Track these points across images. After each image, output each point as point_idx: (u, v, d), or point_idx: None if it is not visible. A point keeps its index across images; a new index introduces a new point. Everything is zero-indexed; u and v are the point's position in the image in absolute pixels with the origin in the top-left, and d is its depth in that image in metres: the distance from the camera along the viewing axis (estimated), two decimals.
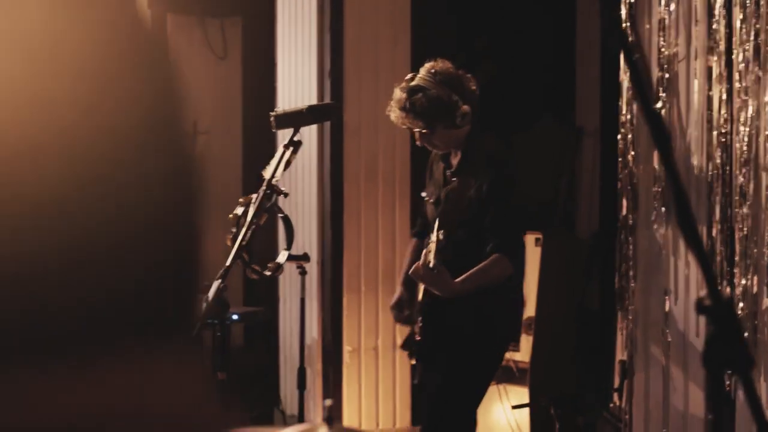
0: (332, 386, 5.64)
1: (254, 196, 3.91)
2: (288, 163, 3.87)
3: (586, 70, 6.74)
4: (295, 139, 3.89)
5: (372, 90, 5.42)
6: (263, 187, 3.83)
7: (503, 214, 4.16)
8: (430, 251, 4.02)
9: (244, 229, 3.79)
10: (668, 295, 3.80)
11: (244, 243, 3.78)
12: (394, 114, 4.28)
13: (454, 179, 4.32)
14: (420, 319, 4.38)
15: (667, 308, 3.82)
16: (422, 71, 4.31)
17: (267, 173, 3.87)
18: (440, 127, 4.23)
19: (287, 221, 3.97)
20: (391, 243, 5.75)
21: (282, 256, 4.00)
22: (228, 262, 3.77)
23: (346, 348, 5.71)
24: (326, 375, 5.66)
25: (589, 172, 6.18)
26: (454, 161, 4.36)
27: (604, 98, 6.72)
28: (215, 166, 7.60)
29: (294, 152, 3.87)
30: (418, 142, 4.37)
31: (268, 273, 4.00)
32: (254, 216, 3.80)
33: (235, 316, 5.84)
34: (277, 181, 3.84)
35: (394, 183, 5.76)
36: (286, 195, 3.90)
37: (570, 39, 6.75)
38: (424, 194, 4.55)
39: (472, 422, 4.44)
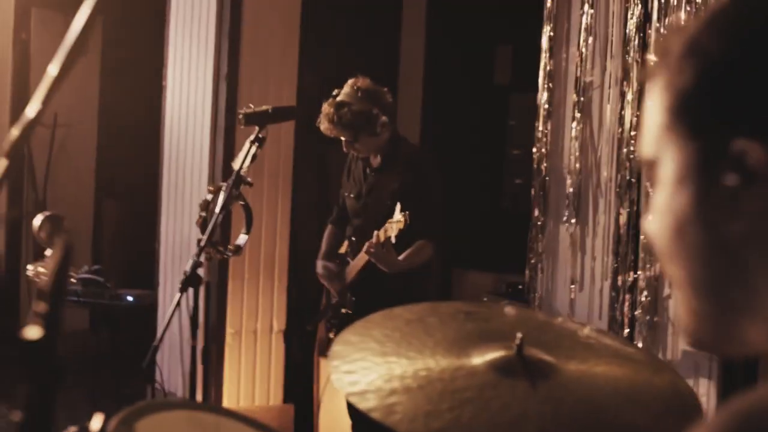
0: (215, 365, 5.81)
1: (223, 184, 4.12)
2: (254, 157, 4.09)
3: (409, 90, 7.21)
4: (260, 135, 4.10)
5: (263, 93, 5.63)
6: (232, 177, 4.05)
7: (427, 205, 4.55)
8: (389, 230, 4.36)
9: (215, 213, 4.01)
10: (574, 284, 4.27)
11: (216, 224, 3.99)
12: (323, 125, 4.64)
13: (372, 175, 4.71)
14: (350, 295, 4.74)
15: (572, 296, 4.28)
16: (346, 87, 4.67)
17: (236, 165, 4.08)
18: (363, 136, 4.61)
19: (248, 209, 4.18)
20: (273, 236, 5.99)
21: (241, 239, 4.22)
22: (202, 243, 3.98)
23: (229, 330, 5.89)
24: (209, 355, 5.82)
25: None
26: (374, 162, 4.73)
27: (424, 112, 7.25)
28: (71, 156, 7.58)
29: (259, 146, 4.09)
30: (344, 149, 4.70)
31: (229, 254, 4.22)
32: (225, 201, 4.02)
33: (129, 297, 5.91)
34: (244, 172, 4.06)
35: (278, 181, 5.99)
36: (250, 185, 4.12)
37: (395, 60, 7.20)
38: (345, 191, 4.89)
39: None
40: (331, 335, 4.87)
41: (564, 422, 1.83)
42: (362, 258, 4.60)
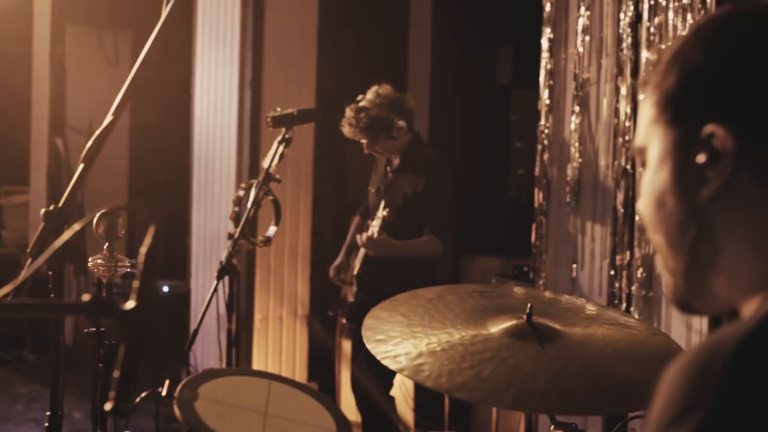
0: (245, 348, 5.95)
1: (254, 181, 4.26)
2: (282, 156, 4.21)
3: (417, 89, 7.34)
4: (287, 136, 4.23)
5: (285, 97, 5.74)
6: (262, 175, 4.19)
7: (437, 206, 4.70)
8: (374, 225, 4.53)
9: (248, 208, 4.15)
10: (575, 264, 4.40)
11: (248, 218, 4.13)
12: (345, 129, 4.79)
13: (391, 175, 4.86)
14: (355, 285, 4.89)
15: (574, 275, 4.42)
16: (369, 94, 4.81)
17: (265, 163, 4.21)
18: (381, 139, 4.75)
19: (277, 203, 4.31)
20: (296, 229, 6.13)
21: (271, 231, 4.35)
22: (236, 235, 4.12)
23: (257, 316, 6.04)
24: (239, 340, 5.96)
25: None
26: (395, 162, 4.88)
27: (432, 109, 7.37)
28: (106, 160, 7.72)
29: (286, 146, 4.22)
30: (365, 151, 4.85)
31: (260, 245, 4.36)
32: (256, 197, 4.15)
33: (165, 288, 6.06)
34: (272, 170, 4.20)
35: (299, 180, 6.12)
36: (279, 181, 4.25)
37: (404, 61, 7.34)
38: (370, 186, 5.04)
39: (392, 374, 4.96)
40: (343, 321, 5.05)
41: (571, 376, 1.98)
42: (362, 253, 4.79)
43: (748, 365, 0.91)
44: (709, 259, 1.07)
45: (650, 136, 1.12)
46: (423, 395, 5.41)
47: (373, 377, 4.85)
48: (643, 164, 1.16)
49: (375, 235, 4.63)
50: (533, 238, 4.54)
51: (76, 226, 1.30)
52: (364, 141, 4.78)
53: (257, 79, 5.93)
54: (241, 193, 4.28)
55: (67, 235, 1.40)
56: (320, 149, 6.20)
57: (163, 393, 1.70)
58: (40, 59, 7.54)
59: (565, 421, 2.23)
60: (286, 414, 1.77)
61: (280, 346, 6.13)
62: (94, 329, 2.65)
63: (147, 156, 7.90)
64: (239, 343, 5.89)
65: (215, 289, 4.12)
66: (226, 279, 4.18)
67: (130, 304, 1.21)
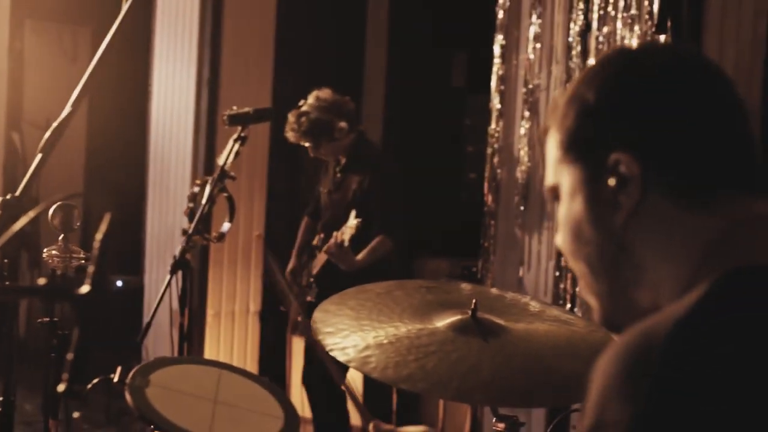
0: (197, 344, 5.95)
1: (209, 178, 4.27)
2: (237, 153, 4.22)
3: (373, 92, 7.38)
4: (243, 134, 4.24)
5: (241, 96, 5.74)
6: (218, 172, 4.20)
7: (384, 203, 4.74)
8: (344, 233, 4.53)
9: (202, 204, 4.15)
10: (522, 265, 4.47)
11: (202, 214, 4.14)
12: (290, 135, 4.84)
13: (339, 175, 4.89)
14: (314, 286, 4.91)
15: (520, 274, 4.48)
16: (309, 98, 4.86)
17: (220, 161, 4.22)
18: (324, 141, 4.80)
19: (231, 200, 4.32)
20: (249, 226, 6.14)
21: (225, 227, 4.36)
22: (190, 231, 4.13)
23: (210, 311, 6.04)
24: (191, 335, 5.96)
25: None
26: (342, 162, 4.91)
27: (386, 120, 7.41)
28: (62, 155, 7.66)
29: (242, 144, 4.23)
30: (310, 154, 4.88)
31: (214, 240, 4.37)
32: (211, 193, 4.16)
33: (118, 283, 6.04)
34: (227, 167, 4.21)
35: (254, 178, 6.14)
36: (233, 178, 4.26)
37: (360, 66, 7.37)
38: (321, 187, 5.06)
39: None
40: (299, 318, 5.04)
41: (513, 370, 2.03)
42: (323, 256, 4.80)
43: (683, 351, 0.95)
44: (632, 277, 1.13)
45: (560, 174, 1.19)
46: (371, 391, 5.44)
47: (327, 373, 4.86)
48: (557, 201, 1.22)
49: (347, 241, 4.62)
50: (481, 239, 4.59)
51: (31, 214, 1.31)
52: (307, 145, 4.83)
53: (214, 78, 5.93)
54: (196, 189, 4.30)
55: (21, 222, 1.41)
56: (276, 148, 6.22)
57: (115, 379, 1.72)
58: None
59: (507, 414, 2.28)
60: (236, 402, 1.79)
61: (231, 342, 6.13)
62: (48, 319, 2.65)
63: (103, 151, 7.86)
64: (191, 337, 5.89)
65: (168, 284, 4.12)
66: (180, 274, 4.18)
67: (84, 289, 1.23)
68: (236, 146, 4.20)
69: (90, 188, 8.10)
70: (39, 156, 1.79)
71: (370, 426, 1.76)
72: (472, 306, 2.21)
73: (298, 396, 5.58)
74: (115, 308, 6.24)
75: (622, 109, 1.14)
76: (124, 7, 1.89)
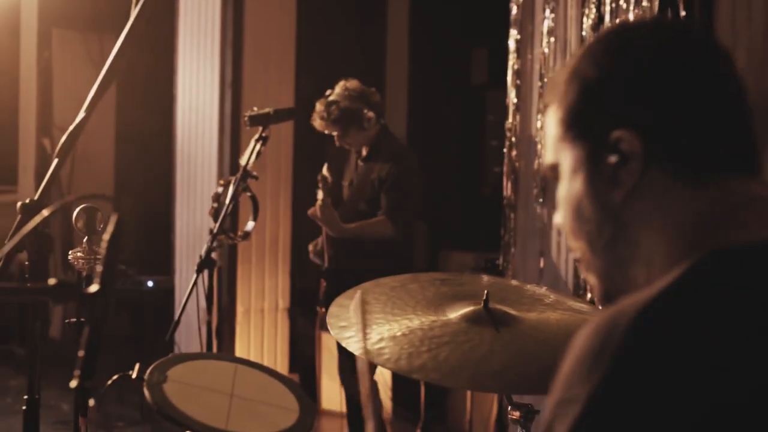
0: (227, 341, 5.99)
1: (232, 179, 4.30)
2: (258, 153, 4.25)
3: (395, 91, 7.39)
4: (264, 134, 4.27)
5: (264, 97, 5.78)
6: (240, 172, 4.23)
7: (396, 191, 4.75)
8: (319, 190, 4.60)
9: (226, 204, 4.18)
10: (542, 256, 4.46)
11: (226, 214, 4.17)
12: (316, 122, 4.83)
13: (361, 164, 4.91)
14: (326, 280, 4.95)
15: (541, 265, 4.47)
16: (337, 88, 4.85)
17: (243, 161, 4.25)
18: (352, 130, 4.79)
19: (254, 199, 4.34)
20: (275, 223, 6.18)
21: (249, 225, 4.39)
22: (215, 230, 4.16)
23: (239, 309, 6.08)
24: (222, 332, 6.00)
25: None
26: (364, 153, 4.93)
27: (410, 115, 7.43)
28: (92, 159, 7.75)
29: (263, 144, 4.26)
30: (336, 143, 4.89)
31: (239, 239, 4.40)
32: (234, 193, 4.19)
33: (149, 283, 6.09)
34: (250, 167, 4.23)
35: (279, 175, 6.18)
36: (256, 178, 4.29)
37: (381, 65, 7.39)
38: (343, 180, 5.08)
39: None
40: (323, 311, 5.09)
41: (525, 359, 2.03)
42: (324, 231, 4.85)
43: (645, 332, 0.97)
44: (627, 254, 1.13)
45: (560, 152, 1.18)
46: (400, 385, 5.46)
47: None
48: (557, 179, 1.21)
49: (319, 198, 4.68)
50: (501, 232, 4.59)
51: (45, 212, 1.34)
52: (335, 133, 4.82)
53: (237, 80, 5.98)
54: (220, 189, 4.32)
55: (34, 221, 1.44)
56: (300, 147, 6.25)
57: (134, 376, 1.75)
58: (27, 62, 7.56)
59: (522, 402, 2.29)
60: (252, 395, 1.81)
61: (262, 338, 6.17)
62: (75, 319, 2.69)
63: (132, 155, 7.93)
64: (221, 335, 5.94)
65: (195, 283, 4.17)
66: (206, 273, 4.22)
67: (93, 288, 1.25)
68: (258, 146, 4.23)
69: (120, 192, 8.17)
70: (55, 160, 1.82)
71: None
72: (484, 297, 2.22)
73: (328, 390, 5.61)
74: (147, 308, 6.30)
75: (624, 85, 1.12)
76: (134, 11, 1.91)
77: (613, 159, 1.11)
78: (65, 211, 5.80)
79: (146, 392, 1.72)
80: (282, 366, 6.23)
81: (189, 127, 6.30)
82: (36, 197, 1.68)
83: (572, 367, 1.00)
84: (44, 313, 2.63)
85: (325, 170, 4.78)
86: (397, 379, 5.46)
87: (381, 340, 2.10)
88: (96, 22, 7.47)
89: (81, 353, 1.28)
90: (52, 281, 1.26)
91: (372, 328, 2.16)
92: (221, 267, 5.70)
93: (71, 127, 1.88)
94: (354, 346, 2.09)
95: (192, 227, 6.30)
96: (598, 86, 1.13)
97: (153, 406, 1.70)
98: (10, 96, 7.60)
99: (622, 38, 1.17)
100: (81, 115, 1.88)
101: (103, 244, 1.28)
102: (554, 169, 1.21)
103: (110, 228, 1.27)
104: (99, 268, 1.27)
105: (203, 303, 4.81)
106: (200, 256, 4.12)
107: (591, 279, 1.21)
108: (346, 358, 4.94)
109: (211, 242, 4.13)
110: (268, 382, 1.91)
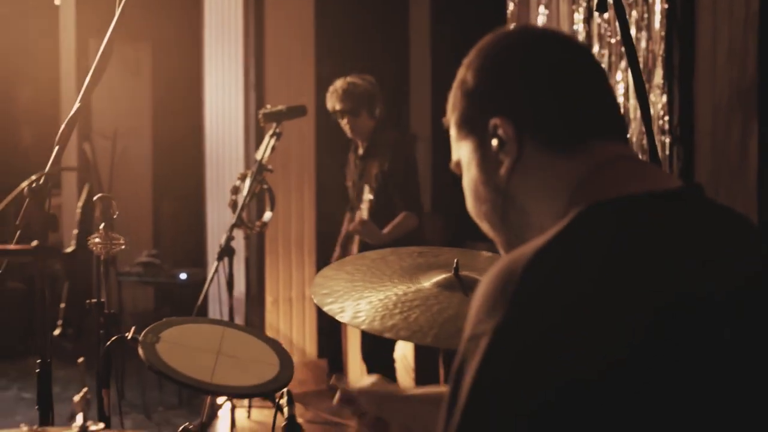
0: (258, 329, 6.15)
1: (248, 171, 4.46)
2: (273, 148, 4.41)
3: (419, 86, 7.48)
4: (277, 131, 4.42)
5: (286, 97, 5.92)
6: (255, 166, 4.39)
7: (404, 182, 4.87)
8: (362, 210, 4.72)
9: (243, 196, 4.35)
10: None
11: (245, 205, 4.33)
12: (331, 101, 4.92)
13: (360, 163, 5.03)
14: None
15: None
16: (352, 78, 4.98)
17: (258, 155, 4.41)
18: (363, 113, 4.90)
19: (270, 191, 4.50)
20: (300, 217, 6.33)
21: (266, 216, 4.55)
22: (234, 221, 4.33)
23: (268, 299, 6.24)
24: (251, 321, 6.17)
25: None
26: (360, 151, 5.05)
27: (434, 110, 7.51)
28: (131, 163, 7.97)
29: (277, 140, 4.42)
30: (346, 124, 4.94)
31: (257, 229, 4.57)
32: (251, 186, 4.36)
33: (183, 276, 6.27)
34: (265, 161, 4.40)
35: (303, 172, 6.33)
36: (271, 171, 4.44)
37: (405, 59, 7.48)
38: (347, 181, 5.22)
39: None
40: None
41: None
42: (357, 239, 4.97)
43: (538, 271, 1.09)
44: (522, 223, 1.29)
45: (458, 150, 1.36)
46: (421, 362, 5.58)
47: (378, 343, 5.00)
48: (461, 174, 1.38)
49: (365, 217, 4.81)
50: None
51: (24, 184, 1.50)
52: (346, 114, 4.90)
53: (260, 82, 6.14)
54: (238, 183, 4.49)
55: (21, 187, 1.60)
56: (322, 144, 6.40)
57: (129, 337, 1.91)
58: (66, 72, 7.79)
59: None
60: (236, 353, 1.97)
61: (290, 326, 6.33)
62: (95, 300, 2.86)
63: (166, 157, 8.12)
64: (251, 323, 6.10)
65: (216, 269, 4.34)
66: (241, 267, 4.39)
67: (70, 248, 1.41)
68: (272, 141, 4.39)
69: (156, 192, 8.38)
70: (57, 147, 1.98)
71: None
72: (454, 265, 2.34)
73: (355, 372, 5.76)
74: (183, 298, 6.45)
75: (494, 84, 1.29)
76: (117, 10, 2.08)
77: (495, 143, 1.27)
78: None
79: (140, 351, 1.88)
80: (311, 351, 6.38)
81: (216, 128, 6.48)
82: (41, 181, 1.83)
83: (479, 307, 1.12)
84: (49, 280, 2.75)
85: (368, 192, 4.88)
86: (419, 356, 5.58)
87: (359, 305, 2.24)
88: (130, 31, 7.65)
89: (62, 305, 1.44)
90: (34, 243, 1.42)
91: (352, 295, 2.30)
92: (249, 259, 5.88)
93: (69, 116, 2.05)
94: (336, 313, 2.23)
95: (221, 222, 6.47)
96: (474, 88, 1.31)
97: (146, 363, 1.86)
98: (52, 105, 7.83)
99: (490, 46, 1.34)
100: (76, 105, 2.05)
101: (78, 211, 1.45)
102: (458, 165, 1.38)
103: (83, 196, 1.43)
104: (74, 231, 1.43)
105: (236, 293, 4.95)
106: (220, 245, 4.28)
107: (501, 252, 1.36)
108: (368, 339, 5.09)
109: (230, 232, 4.30)
110: (252, 341, 2.06)
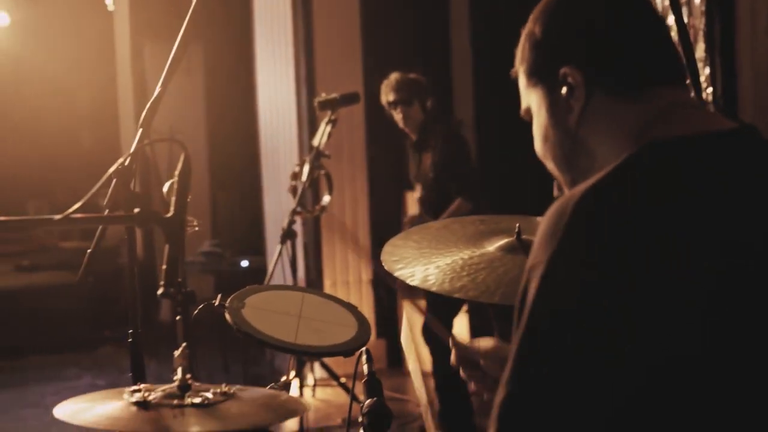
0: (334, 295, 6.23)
1: (307, 158, 4.54)
2: (329, 135, 4.48)
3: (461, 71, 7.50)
4: (333, 117, 4.49)
5: (336, 89, 5.97)
6: (313, 152, 4.47)
7: (456, 169, 4.90)
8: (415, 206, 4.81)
9: (302, 180, 4.42)
10: None
11: (304, 189, 4.41)
12: (384, 93, 4.95)
13: (416, 155, 5.06)
14: None
15: None
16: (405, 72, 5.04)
17: (315, 142, 4.49)
18: (416, 103, 4.92)
19: (328, 176, 4.57)
20: (353, 204, 6.41)
21: (325, 200, 4.62)
22: (295, 206, 4.41)
23: (326, 282, 6.33)
24: None
25: None
26: (413, 141, 5.08)
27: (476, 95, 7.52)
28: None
29: (333, 126, 4.49)
30: (399, 114, 4.95)
31: (317, 213, 4.64)
32: (309, 171, 4.43)
33: (244, 263, 6.38)
34: (322, 147, 4.47)
35: (354, 162, 6.41)
36: (328, 157, 4.51)
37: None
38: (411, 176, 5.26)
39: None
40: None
41: None
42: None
43: (589, 206, 1.16)
44: (587, 165, 1.34)
45: (528, 97, 1.42)
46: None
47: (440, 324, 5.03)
48: (531, 120, 1.44)
49: (416, 212, 4.87)
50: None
51: (120, 160, 1.58)
52: (399, 104, 4.91)
53: (310, 76, 6.22)
54: (297, 168, 4.57)
55: (117, 164, 1.68)
56: (372, 135, 6.46)
57: (216, 303, 1.99)
58: (123, 74, 7.93)
59: None
60: (316, 316, 2.04)
61: None
62: (174, 290, 2.95)
63: (222, 150, 8.24)
64: None
65: (279, 252, 4.42)
66: (289, 244, 4.47)
67: (169, 214, 1.48)
68: (328, 128, 4.46)
69: (214, 184, 8.50)
70: (140, 130, 2.06)
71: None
72: (516, 229, 2.40)
73: (412, 353, 5.79)
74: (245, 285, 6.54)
75: (561, 35, 1.35)
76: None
77: (564, 91, 1.33)
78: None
79: (227, 316, 1.96)
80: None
81: (270, 121, 6.58)
82: (126, 163, 1.90)
83: (538, 242, 1.19)
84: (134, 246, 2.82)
85: (419, 189, 4.95)
86: (437, 358, 5.57)
87: (427, 269, 2.30)
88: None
89: (164, 267, 1.52)
90: (136, 210, 1.50)
91: (420, 261, 2.36)
92: (307, 244, 5.97)
93: (150, 101, 2.13)
94: (408, 277, 2.29)
95: (279, 210, 6.57)
96: (542, 39, 1.37)
97: (233, 326, 1.94)
98: (111, 107, 7.98)
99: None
100: (157, 90, 2.13)
101: (175, 179, 1.52)
102: (527, 112, 1.44)
103: (179, 166, 1.51)
104: (173, 198, 1.51)
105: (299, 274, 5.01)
106: (282, 229, 4.36)
107: (565, 190, 1.42)
108: (430, 318, 5.11)
109: (292, 216, 4.38)
110: (330, 305, 2.13)
